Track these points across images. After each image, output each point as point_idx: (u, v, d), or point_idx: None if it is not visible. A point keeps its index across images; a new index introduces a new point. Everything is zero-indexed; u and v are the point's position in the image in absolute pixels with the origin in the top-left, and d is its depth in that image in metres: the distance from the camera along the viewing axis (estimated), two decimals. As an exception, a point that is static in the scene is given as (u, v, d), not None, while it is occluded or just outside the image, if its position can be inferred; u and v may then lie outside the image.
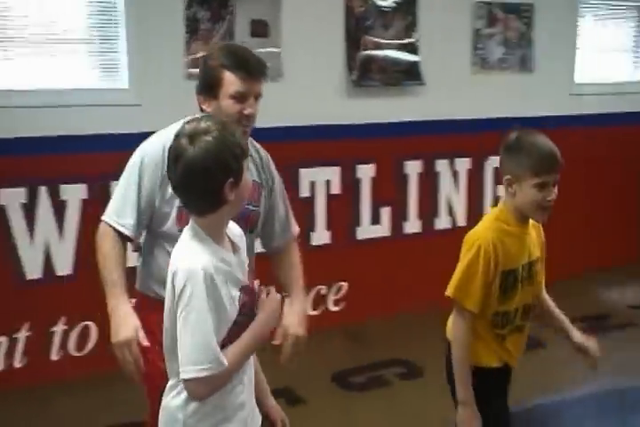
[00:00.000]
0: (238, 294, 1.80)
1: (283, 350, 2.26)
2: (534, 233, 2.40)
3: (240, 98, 2.20)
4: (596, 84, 5.98)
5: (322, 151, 4.66)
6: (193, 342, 1.71)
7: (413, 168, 5.10)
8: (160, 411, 1.87)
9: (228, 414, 1.83)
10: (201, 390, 1.75)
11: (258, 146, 2.42)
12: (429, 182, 5.17)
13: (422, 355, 4.16)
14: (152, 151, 2.22)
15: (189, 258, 1.76)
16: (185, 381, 1.75)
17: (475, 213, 5.24)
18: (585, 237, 5.83)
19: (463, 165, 5.28)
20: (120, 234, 2.21)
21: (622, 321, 5.00)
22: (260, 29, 4.37)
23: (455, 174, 5.28)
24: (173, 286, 1.75)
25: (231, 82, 2.19)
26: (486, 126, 5.20)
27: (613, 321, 5.01)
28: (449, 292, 2.28)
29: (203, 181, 1.74)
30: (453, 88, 5.16)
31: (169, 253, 1.91)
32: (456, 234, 5.32)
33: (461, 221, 5.29)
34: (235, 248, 1.88)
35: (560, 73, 5.74)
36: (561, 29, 5.72)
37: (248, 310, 1.83)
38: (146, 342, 2.05)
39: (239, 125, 2.19)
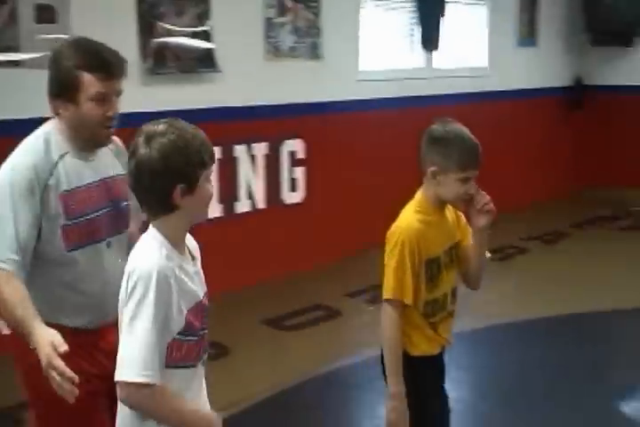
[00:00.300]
0: (186, 309, 1.76)
1: None
2: (451, 217, 2.45)
3: (102, 100, 2.08)
4: (379, 71, 6.41)
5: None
6: (135, 350, 1.67)
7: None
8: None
9: None
10: (139, 397, 1.69)
11: (119, 142, 2.34)
12: (228, 168, 5.29)
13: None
14: (21, 177, 2.02)
15: (146, 258, 1.73)
16: (121, 384, 1.70)
17: (273, 197, 5.46)
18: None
19: (260, 149, 5.46)
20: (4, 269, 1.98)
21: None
22: (46, 15, 4.24)
23: (253, 159, 5.45)
24: (127, 287, 1.72)
25: (91, 84, 2.06)
26: (281, 112, 5.42)
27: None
28: (387, 295, 2.31)
29: (150, 183, 1.73)
30: (248, 75, 5.31)
31: (63, 283, 1.88)
32: (256, 217, 5.51)
33: (261, 204, 5.48)
34: (193, 258, 1.87)
35: (346, 60, 6.07)
36: (346, 18, 6.04)
37: (194, 330, 1.79)
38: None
39: (102, 128, 2.10)
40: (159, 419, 1.75)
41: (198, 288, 1.84)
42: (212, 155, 1.82)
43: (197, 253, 1.93)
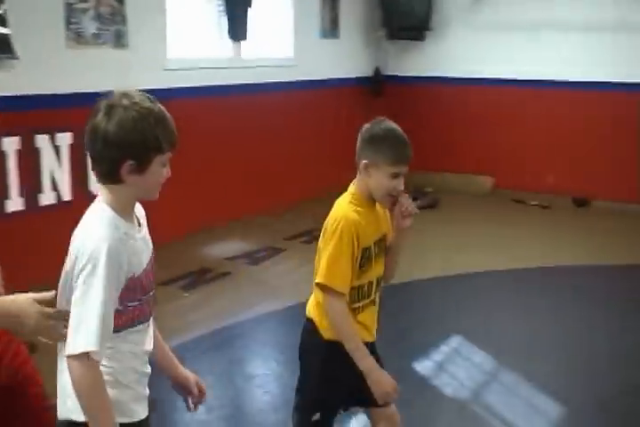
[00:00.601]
0: (135, 275, 1.82)
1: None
2: (382, 210, 2.56)
3: None
4: (187, 60, 6.41)
5: None
6: (89, 322, 1.71)
7: (10, 145, 4.96)
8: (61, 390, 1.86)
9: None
10: (84, 370, 1.71)
11: None
12: (30, 158, 5.08)
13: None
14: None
15: (96, 235, 1.76)
16: (70, 356, 1.72)
17: (80, 187, 5.30)
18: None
19: (65, 139, 5.28)
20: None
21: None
22: None
23: (57, 149, 5.26)
24: (75, 262, 1.75)
25: None
26: (84, 100, 5.25)
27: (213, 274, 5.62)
28: (319, 279, 2.35)
29: (101, 151, 1.77)
30: (49, 62, 5.11)
31: None
32: (62, 209, 5.32)
33: (67, 195, 5.31)
34: (139, 225, 1.91)
35: (153, 49, 6.01)
36: (152, 6, 5.97)
37: (142, 293, 1.86)
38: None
39: None
40: (86, 397, 1.74)
41: (145, 254, 1.90)
42: (173, 142, 1.84)
43: (144, 220, 1.96)
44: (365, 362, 2.33)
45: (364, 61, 8.92)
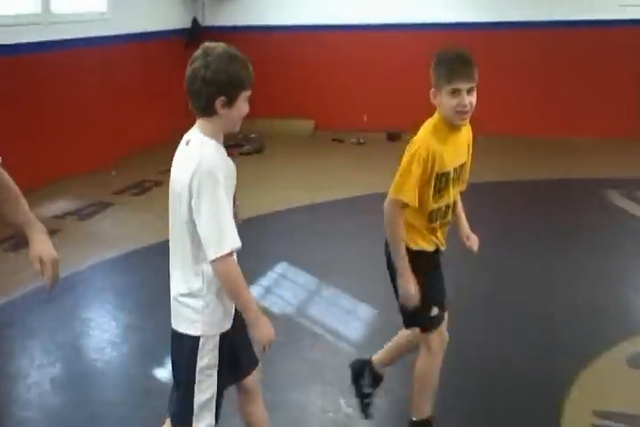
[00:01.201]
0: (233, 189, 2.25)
1: (46, 274, 2.25)
2: (467, 138, 2.76)
3: None
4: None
5: None
6: (224, 223, 2.14)
7: None
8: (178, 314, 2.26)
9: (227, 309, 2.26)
10: (230, 264, 2.16)
11: None
12: None
13: None
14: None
15: (207, 154, 2.18)
16: (214, 262, 2.15)
17: None
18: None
19: None
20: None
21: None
22: None
23: None
24: (192, 177, 2.13)
25: None
26: None
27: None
28: (390, 191, 2.64)
29: (200, 89, 2.18)
30: None
31: None
32: None
33: None
34: None
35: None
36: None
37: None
38: None
39: None
40: (236, 291, 2.20)
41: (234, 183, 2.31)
42: (252, 81, 2.24)
43: None
44: (401, 264, 2.69)
45: (180, 13, 8.96)
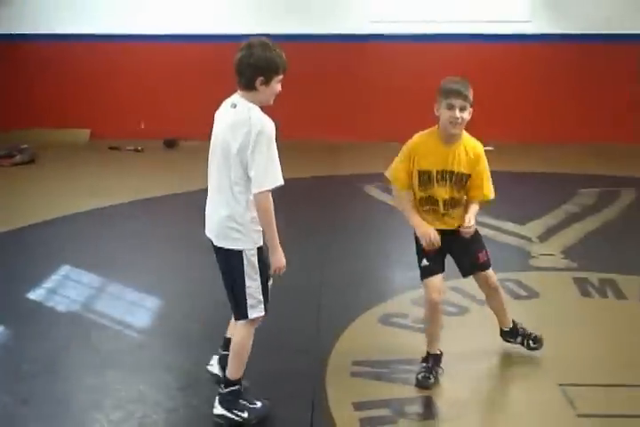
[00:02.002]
0: None
1: None
2: (463, 154, 3.38)
3: None
4: None
5: None
6: (271, 167, 2.90)
7: None
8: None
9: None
10: (268, 199, 2.93)
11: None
12: None
13: None
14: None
15: (258, 115, 2.94)
16: (258, 194, 2.91)
17: None
18: None
19: None
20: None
21: None
22: None
23: None
24: (250, 129, 2.90)
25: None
26: None
27: None
28: (387, 173, 3.47)
29: (245, 70, 2.97)
30: None
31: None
32: None
33: None
34: None
35: None
36: None
37: None
38: None
39: None
40: (268, 220, 2.95)
41: None
42: (284, 68, 2.99)
43: None
44: (414, 220, 3.46)
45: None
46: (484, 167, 3.43)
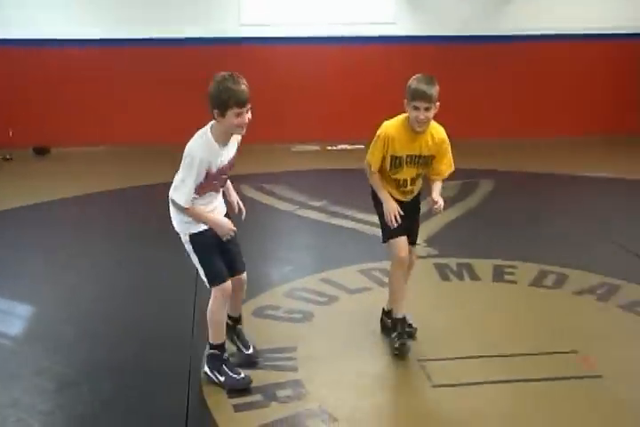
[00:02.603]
0: (214, 169, 3.35)
1: None
2: (429, 140, 3.77)
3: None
4: None
5: None
6: (180, 186, 3.33)
7: None
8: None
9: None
10: (176, 204, 3.38)
11: None
12: None
13: None
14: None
15: (197, 145, 3.31)
16: (171, 198, 3.39)
17: None
18: None
19: None
20: None
21: None
22: None
23: None
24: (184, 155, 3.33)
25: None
26: None
27: None
28: (367, 159, 3.82)
29: (208, 101, 3.27)
30: None
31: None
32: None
33: None
34: (228, 145, 3.43)
35: None
36: None
37: (212, 178, 3.39)
38: None
39: None
40: (189, 215, 3.41)
41: (223, 159, 3.40)
42: (239, 102, 3.22)
43: (235, 142, 3.50)
44: (381, 194, 3.83)
45: None
46: (447, 149, 3.88)
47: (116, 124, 9.01)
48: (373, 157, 3.82)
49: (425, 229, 5.85)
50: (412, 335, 3.92)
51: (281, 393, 3.45)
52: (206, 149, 3.31)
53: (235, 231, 3.49)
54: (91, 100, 8.95)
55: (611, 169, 7.84)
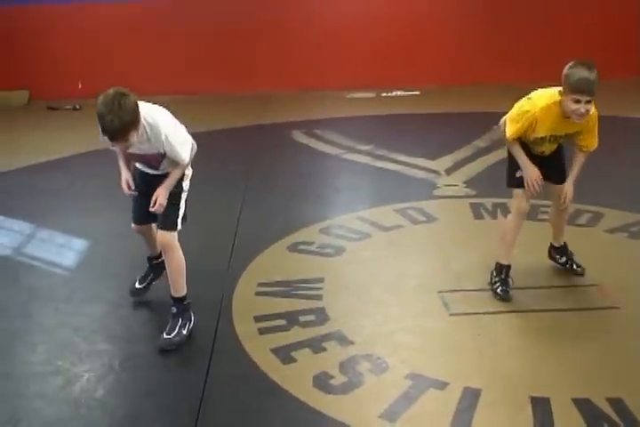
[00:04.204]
0: None
1: None
2: (578, 124, 3.54)
3: None
4: None
5: None
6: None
7: None
8: None
9: None
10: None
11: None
12: None
13: None
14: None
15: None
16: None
17: None
18: None
19: None
20: None
21: None
22: None
23: None
24: None
25: None
26: None
27: None
28: (506, 129, 3.68)
29: None
30: None
31: None
32: None
33: None
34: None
35: None
36: None
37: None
38: None
39: None
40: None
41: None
42: (103, 131, 3.14)
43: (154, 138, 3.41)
44: (521, 160, 3.71)
45: None
46: (595, 124, 3.68)
47: (176, 74, 9.31)
48: (513, 128, 3.64)
49: (467, 171, 5.95)
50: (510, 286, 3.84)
51: (303, 319, 3.67)
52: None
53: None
54: (151, 54, 9.27)
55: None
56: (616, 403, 2.88)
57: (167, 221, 3.52)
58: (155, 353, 3.42)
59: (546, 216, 4.86)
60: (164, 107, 3.52)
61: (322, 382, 3.12)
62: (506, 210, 4.97)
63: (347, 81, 9.18)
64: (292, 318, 3.68)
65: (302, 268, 4.26)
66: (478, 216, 4.97)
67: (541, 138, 3.66)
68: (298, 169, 6.29)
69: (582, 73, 3.40)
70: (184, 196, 3.59)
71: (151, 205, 3.46)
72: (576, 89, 3.40)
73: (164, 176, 3.53)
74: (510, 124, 3.67)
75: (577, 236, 4.55)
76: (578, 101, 3.42)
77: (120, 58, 9.30)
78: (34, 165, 6.65)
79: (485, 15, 9.10)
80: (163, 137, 3.37)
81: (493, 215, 4.95)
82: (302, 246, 4.56)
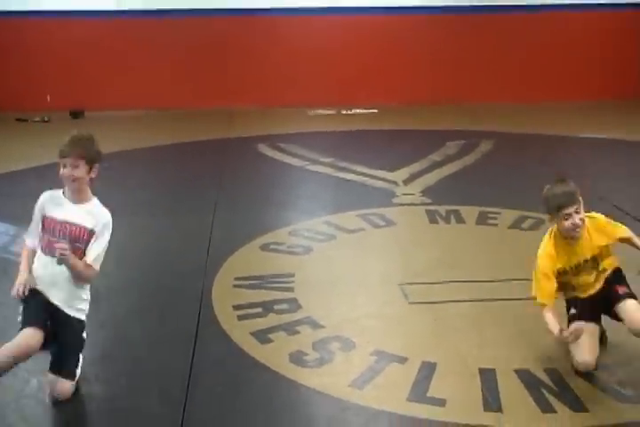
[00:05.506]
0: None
1: None
2: (588, 238, 3.37)
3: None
4: None
5: None
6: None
7: None
8: None
9: None
10: None
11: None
12: None
13: None
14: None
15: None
16: None
17: None
18: None
19: None
20: None
21: None
22: None
23: None
24: None
25: None
26: None
27: None
28: (538, 298, 3.38)
29: None
30: None
31: None
32: None
33: None
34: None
35: None
36: None
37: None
38: None
39: None
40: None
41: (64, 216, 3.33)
42: (61, 154, 3.27)
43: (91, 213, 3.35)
44: (553, 330, 3.28)
45: None
46: (611, 227, 3.46)
47: (144, 89, 9.67)
48: (543, 292, 3.37)
49: (423, 182, 6.44)
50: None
51: (278, 307, 4.06)
52: (47, 196, 3.40)
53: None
54: (121, 67, 9.62)
55: (613, 131, 8.25)
56: (552, 372, 3.35)
57: (65, 366, 3.20)
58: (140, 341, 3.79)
59: (494, 221, 5.39)
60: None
61: (297, 358, 3.53)
62: (458, 216, 5.50)
63: (308, 99, 9.66)
64: (267, 307, 4.07)
65: (274, 264, 4.67)
66: (433, 221, 5.44)
67: (565, 272, 3.41)
68: (265, 179, 6.71)
69: (558, 189, 3.37)
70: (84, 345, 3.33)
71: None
72: (560, 205, 3.31)
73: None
74: (544, 291, 3.38)
75: (520, 238, 5.05)
76: (569, 216, 3.31)
77: (89, 72, 9.62)
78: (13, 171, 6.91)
79: (446, 37, 9.70)
80: (104, 221, 3.31)
81: (447, 220, 5.43)
82: (273, 246, 4.97)
